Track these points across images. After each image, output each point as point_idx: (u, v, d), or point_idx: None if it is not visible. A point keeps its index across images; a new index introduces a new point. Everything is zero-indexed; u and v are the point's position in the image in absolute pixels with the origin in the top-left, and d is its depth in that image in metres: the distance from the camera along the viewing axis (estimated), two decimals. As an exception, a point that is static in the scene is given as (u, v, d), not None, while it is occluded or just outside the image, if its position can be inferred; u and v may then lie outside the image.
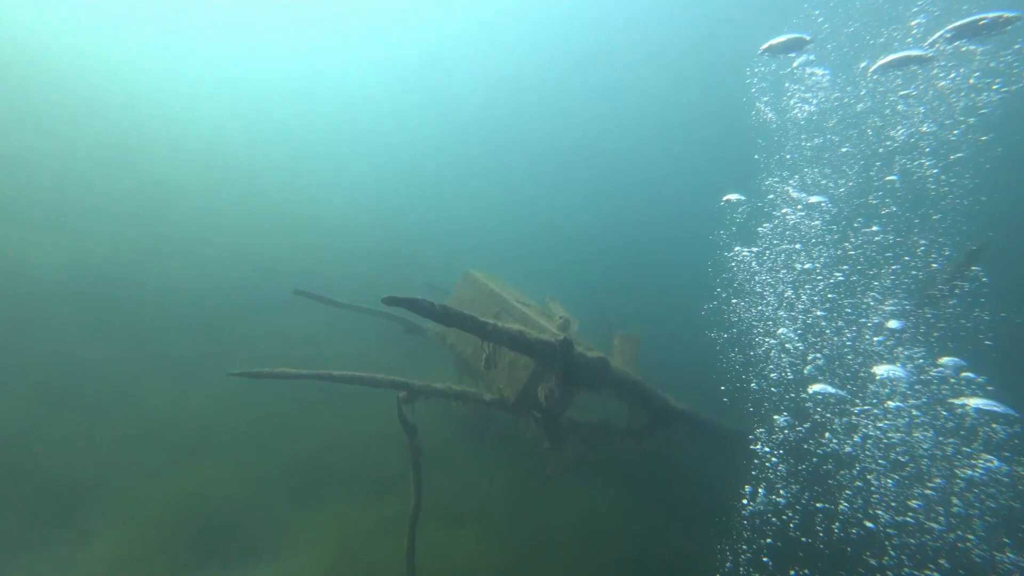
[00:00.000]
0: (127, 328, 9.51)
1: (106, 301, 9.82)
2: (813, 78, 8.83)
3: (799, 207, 8.97)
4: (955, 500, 5.36)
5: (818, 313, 7.78)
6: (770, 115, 9.77)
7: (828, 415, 6.52)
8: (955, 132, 8.29)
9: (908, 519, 5.48)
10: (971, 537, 5.09)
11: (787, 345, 7.54)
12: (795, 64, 8.60)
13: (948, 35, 5.20)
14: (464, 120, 35.03)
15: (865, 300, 7.73)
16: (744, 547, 5.96)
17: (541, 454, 6.50)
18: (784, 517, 6.09)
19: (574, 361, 5.18)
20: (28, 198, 12.21)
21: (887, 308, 7.39)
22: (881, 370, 6.23)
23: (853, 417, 6.27)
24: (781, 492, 6.13)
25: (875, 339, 7.10)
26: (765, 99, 10.12)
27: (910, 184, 9.63)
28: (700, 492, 7.24)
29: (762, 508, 6.13)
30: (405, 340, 9.13)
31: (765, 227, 9.01)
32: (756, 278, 8.62)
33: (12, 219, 11.29)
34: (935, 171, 9.34)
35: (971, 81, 7.17)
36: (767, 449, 6.43)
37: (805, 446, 6.44)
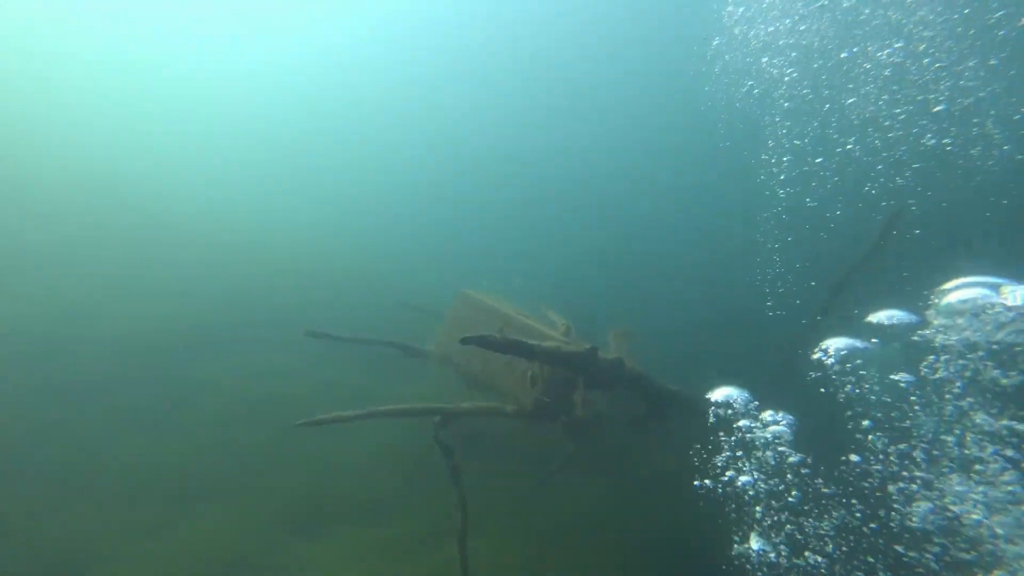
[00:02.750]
0: (80, 385, 8.73)
1: (51, 360, 8.93)
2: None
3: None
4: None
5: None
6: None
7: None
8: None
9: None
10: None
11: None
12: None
13: None
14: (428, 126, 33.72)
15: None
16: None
17: (532, 456, 6.97)
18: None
19: (597, 366, 5.70)
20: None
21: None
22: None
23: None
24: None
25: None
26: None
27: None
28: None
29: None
30: (372, 363, 9.18)
31: None
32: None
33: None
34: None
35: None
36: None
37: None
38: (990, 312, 4.44)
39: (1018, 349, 4.36)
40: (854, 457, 5.60)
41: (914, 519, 5.06)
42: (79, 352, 9.37)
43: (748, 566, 5.81)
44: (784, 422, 5.92)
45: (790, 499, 5.75)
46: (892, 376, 5.49)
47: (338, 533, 6.98)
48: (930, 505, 5.07)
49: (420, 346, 8.33)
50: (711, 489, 5.99)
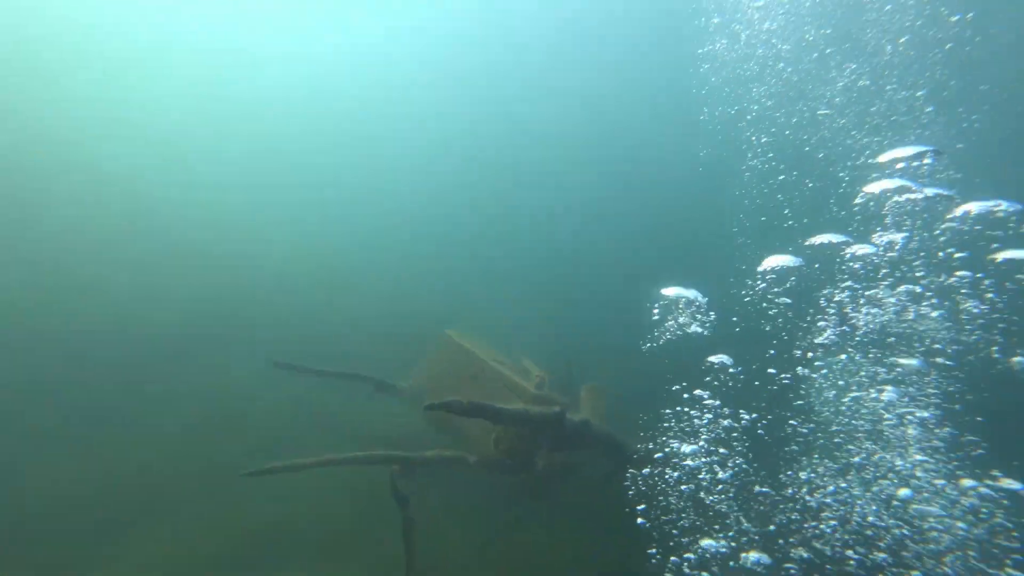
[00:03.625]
0: (32, 386, 8.36)
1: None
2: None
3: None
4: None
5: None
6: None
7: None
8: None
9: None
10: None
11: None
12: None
13: None
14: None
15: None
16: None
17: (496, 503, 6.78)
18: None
19: (563, 430, 5.58)
20: None
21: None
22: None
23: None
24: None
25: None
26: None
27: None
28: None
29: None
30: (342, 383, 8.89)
31: None
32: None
33: None
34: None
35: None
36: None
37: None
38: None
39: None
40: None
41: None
42: (29, 352, 9.00)
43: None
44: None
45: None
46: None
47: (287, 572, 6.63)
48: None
49: (392, 382, 8.14)
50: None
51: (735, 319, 8.33)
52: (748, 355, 7.32)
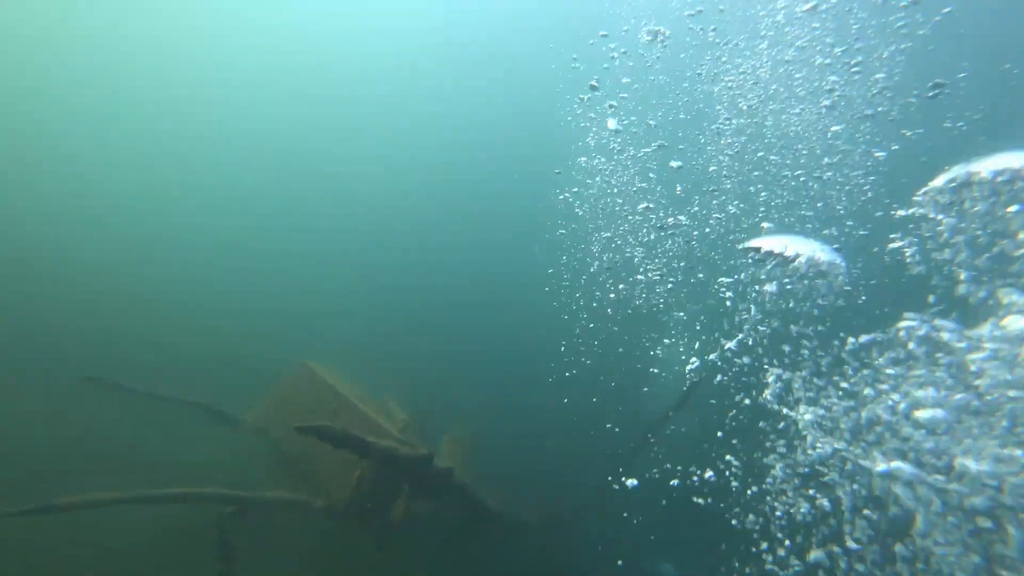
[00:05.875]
0: None
1: None
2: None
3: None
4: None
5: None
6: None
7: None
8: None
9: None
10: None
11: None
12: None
13: None
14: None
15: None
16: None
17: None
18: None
19: (428, 474, 5.36)
20: None
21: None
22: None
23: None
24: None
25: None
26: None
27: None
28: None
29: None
30: (154, 413, 7.58)
31: None
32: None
33: None
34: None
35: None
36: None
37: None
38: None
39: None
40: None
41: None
42: None
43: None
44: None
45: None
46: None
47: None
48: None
49: (230, 412, 7.13)
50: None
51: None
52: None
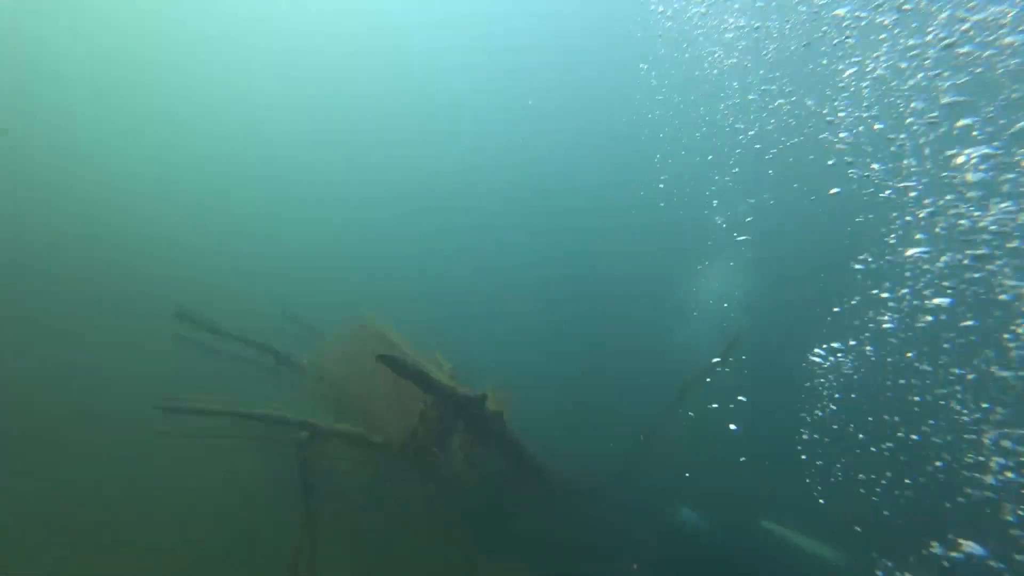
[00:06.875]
0: None
1: None
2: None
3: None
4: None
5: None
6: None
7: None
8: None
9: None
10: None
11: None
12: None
13: None
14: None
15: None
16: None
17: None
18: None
19: (483, 414, 5.81)
20: None
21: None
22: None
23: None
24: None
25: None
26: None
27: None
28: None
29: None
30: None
31: None
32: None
33: None
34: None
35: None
36: None
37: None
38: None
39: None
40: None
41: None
42: None
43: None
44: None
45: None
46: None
47: None
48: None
49: (295, 358, 7.73)
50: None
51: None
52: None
